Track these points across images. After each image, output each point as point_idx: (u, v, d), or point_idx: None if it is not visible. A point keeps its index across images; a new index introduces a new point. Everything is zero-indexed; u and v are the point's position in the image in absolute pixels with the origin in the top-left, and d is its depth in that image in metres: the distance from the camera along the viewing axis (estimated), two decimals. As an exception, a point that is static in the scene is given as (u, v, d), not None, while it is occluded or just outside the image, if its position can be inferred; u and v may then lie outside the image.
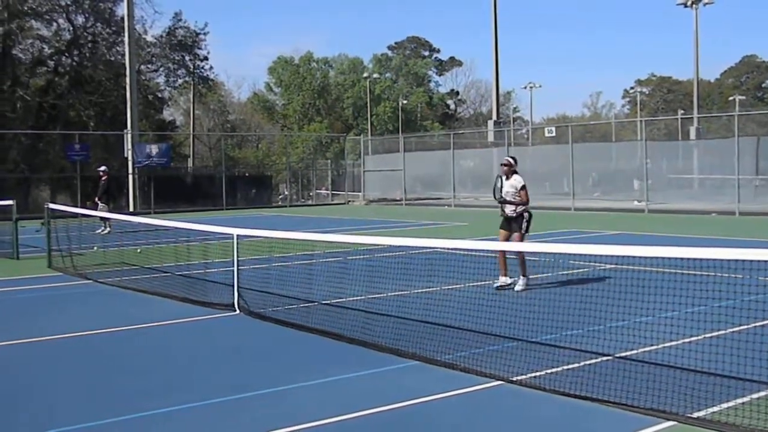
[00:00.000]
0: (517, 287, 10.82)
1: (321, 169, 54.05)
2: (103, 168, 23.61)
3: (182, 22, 54.07)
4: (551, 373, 6.53)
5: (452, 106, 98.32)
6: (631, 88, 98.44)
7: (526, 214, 11.17)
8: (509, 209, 11.21)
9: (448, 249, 11.99)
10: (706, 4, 45.08)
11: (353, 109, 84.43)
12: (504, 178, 11.32)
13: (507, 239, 11.20)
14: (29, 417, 5.91)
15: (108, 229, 21.64)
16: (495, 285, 10.91)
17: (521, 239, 11.07)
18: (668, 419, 5.34)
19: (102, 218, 21.45)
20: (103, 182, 22.92)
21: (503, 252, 10.99)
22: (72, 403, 6.26)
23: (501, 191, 11.26)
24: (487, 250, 12.00)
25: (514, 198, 11.15)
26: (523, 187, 11.15)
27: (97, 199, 22.83)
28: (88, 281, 13.09)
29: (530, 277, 11.06)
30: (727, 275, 8.05)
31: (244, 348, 8.20)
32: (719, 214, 26.20)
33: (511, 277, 11.02)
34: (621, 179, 34.37)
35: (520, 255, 10.75)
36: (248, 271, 11.78)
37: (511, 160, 11.46)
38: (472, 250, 13.31)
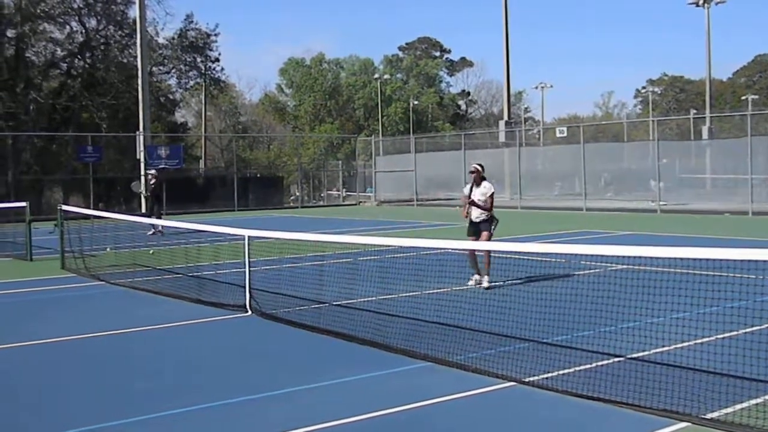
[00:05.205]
0: (485, 284, 11.18)
1: (332, 170, 54.13)
2: (152, 171, 25.04)
3: (194, 24, 54.37)
4: (563, 374, 6.51)
5: (463, 107, 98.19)
6: (643, 87, 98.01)
7: (494, 219, 11.55)
8: (475, 214, 11.60)
9: (459, 250, 11.99)
10: (718, 3, 44.84)
11: (364, 109, 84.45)
12: (474, 185, 11.62)
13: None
14: (46, 417, 5.95)
15: (154, 230, 21.91)
16: (468, 283, 11.32)
17: (489, 238, 11.50)
18: (681, 420, 5.32)
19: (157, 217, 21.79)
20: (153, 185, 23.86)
21: (473, 252, 11.35)
22: (86, 403, 6.30)
23: (470, 197, 11.63)
24: (498, 251, 11.98)
25: (484, 204, 11.50)
26: (492, 195, 11.56)
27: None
28: (100, 282, 13.16)
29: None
30: (739, 276, 8.02)
31: (257, 349, 8.22)
32: (732, 214, 26.07)
33: (480, 275, 11.43)
34: (633, 179, 34.25)
35: (487, 254, 11.18)
36: (260, 272, 11.81)
37: (479, 167, 11.73)
38: (482, 252, 13.28)
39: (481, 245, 11.14)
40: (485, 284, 11.21)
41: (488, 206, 11.49)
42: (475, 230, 11.64)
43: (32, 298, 12.10)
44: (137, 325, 9.42)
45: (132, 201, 37.18)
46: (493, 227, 11.53)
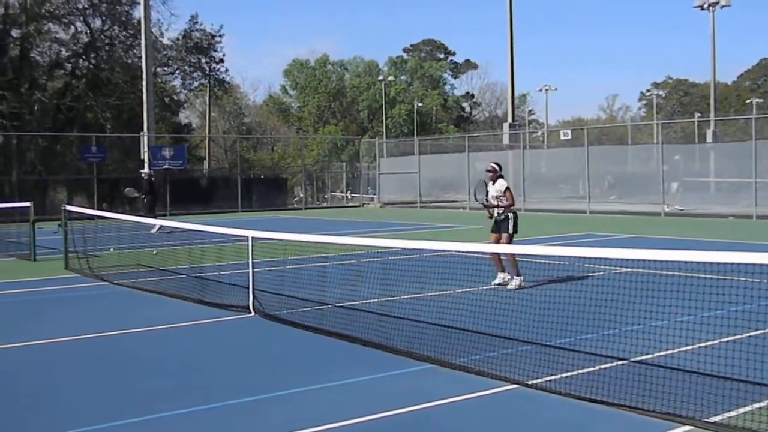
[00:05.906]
0: (511, 286, 11.37)
1: (336, 171, 54.17)
2: (145, 171, 26.03)
3: (198, 25, 54.51)
4: (566, 376, 6.50)
5: (467, 109, 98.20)
6: (647, 90, 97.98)
7: (510, 215, 11.79)
8: (497, 212, 11.86)
9: (462, 252, 11.98)
10: (723, 6, 44.78)
11: (368, 111, 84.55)
12: (491, 183, 11.94)
13: (497, 241, 11.76)
14: (46, 417, 5.94)
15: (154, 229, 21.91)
16: (492, 283, 11.48)
17: (510, 240, 11.75)
18: (684, 423, 5.31)
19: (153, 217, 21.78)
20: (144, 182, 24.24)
21: (495, 253, 11.53)
22: (88, 404, 6.30)
23: (488, 195, 11.91)
24: (500, 254, 11.96)
25: (500, 201, 11.80)
26: (507, 189, 11.88)
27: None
28: (104, 283, 13.17)
29: (524, 277, 11.54)
30: (744, 279, 8.00)
31: (259, 350, 8.21)
32: (736, 217, 26.02)
33: (507, 273, 11.60)
34: (637, 182, 34.18)
35: (511, 256, 11.30)
36: (263, 273, 11.81)
37: (496, 166, 12.11)
38: (486, 254, 13.27)
39: (493, 248, 11.13)
40: (512, 286, 11.36)
41: (508, 202, 11.76)
42: (497, 228, 11.84)
43: (35, 298, 12.11)
44: (140, 326, 9.42)
45: (135, 201, 37.20)
46: (511, 225, 11.72)
